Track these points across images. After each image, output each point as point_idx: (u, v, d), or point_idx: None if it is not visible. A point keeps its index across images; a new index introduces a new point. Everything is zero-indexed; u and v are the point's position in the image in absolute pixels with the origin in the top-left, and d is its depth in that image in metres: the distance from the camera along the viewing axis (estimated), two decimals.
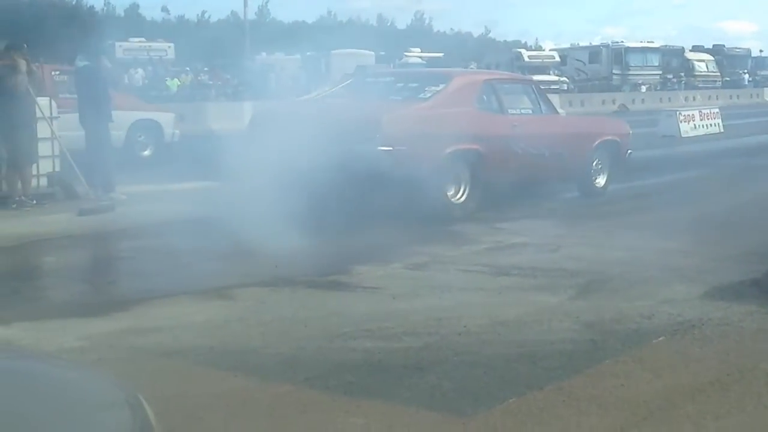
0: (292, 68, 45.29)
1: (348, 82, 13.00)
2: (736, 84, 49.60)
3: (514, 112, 11.57)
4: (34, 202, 11.53)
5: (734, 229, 9.87)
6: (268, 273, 7.81)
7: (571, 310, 6.60)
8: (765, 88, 46.20)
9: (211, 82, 38.96)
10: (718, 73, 50.44)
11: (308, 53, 51.96)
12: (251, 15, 59.23)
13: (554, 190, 12.75)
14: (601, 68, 43.60)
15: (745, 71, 54.88)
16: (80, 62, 12.56)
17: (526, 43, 79.40)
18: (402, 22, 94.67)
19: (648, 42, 50.05)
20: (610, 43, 49.53)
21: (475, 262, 8.31)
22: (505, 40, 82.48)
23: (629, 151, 13.26)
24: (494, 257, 8.52)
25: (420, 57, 49.24)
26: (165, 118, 18.73)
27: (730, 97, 38.98)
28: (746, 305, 6.61)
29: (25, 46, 12.29)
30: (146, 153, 18.15)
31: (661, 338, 5.92)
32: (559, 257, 8.49)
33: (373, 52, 49.60)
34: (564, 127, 12.59)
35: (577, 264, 8.12)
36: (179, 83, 37.33)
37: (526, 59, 48.92)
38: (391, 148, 9.94)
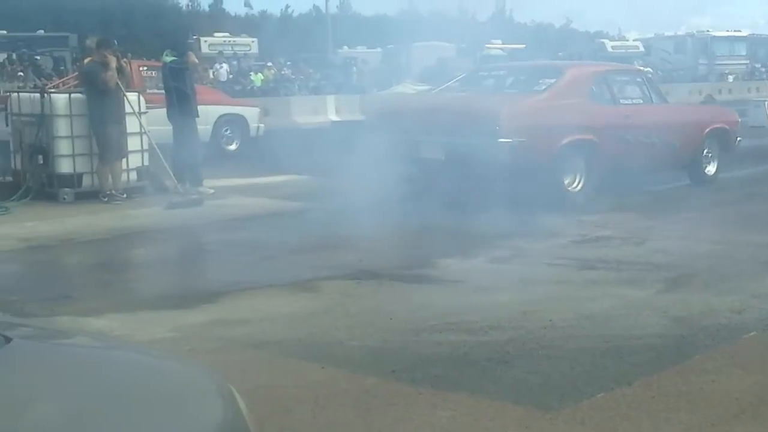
0: (374, 61, 45.28)
1: (462, 75, 13.28)
2: None
3: (626, 102, 11.78)
4: (125, 195, 11.79)
5: None
6: (353, 266, 7.87)
7: (659, 304, 6.52)
8: None
9: (294, 77, 39.23)
10: None
11: (389, 46, 51.95)
12: (333, 9, 59.47)
13: (642, 180, 12.55)
14: (686, 58, 42.77)
15: None
16: (167, 58, 12.77)
17: (608, 33, 78.15)
18: (483, 15, 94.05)
19: (735, 31, 48.89)
20: (695, 32, 48.56)
21: (560, 255, 8.25)
22: (587, 31, 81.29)
23: (738, 139, 13.35)
24: (580, 250, 8.45)
25: (501, 49, 48.80)
26: (250, 113, 19.08)
27: None
28: None
29: (115, 42, 12.60)
30: (232, 147, 18.49)
31: (752, 333, 5.82)
32: (646, 250, 8.38)
33: (454, 45, 49.35)
34: (674, 115, 12.76)
35: (664, 257, 8.01)
36: (263, 78, 37.64)
37: (610, 49, 48.19)
38: (510, 140, 10.19)
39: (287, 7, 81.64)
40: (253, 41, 48.23)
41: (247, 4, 74.55)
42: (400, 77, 38.06)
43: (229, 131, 18.48)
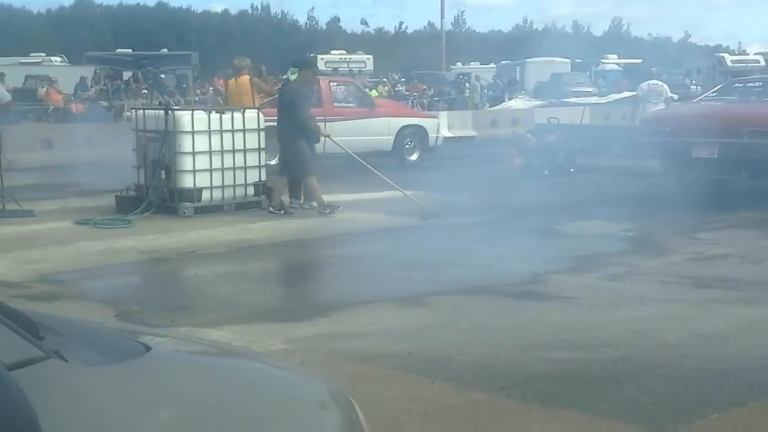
0: (487, 77, 45.25)
1: (719, 86, 15.36)
2: None
3: None
4: (327, 210, 12.01)
5: None
6: (464, 281, 7.90)
7: None
8: None
9: (407, 93, 39.48)
10: None
11: (503, 62, 51.85)
12: (447, 25, 59.66)
13: (756, 198, 12.26)
14: None
15: None
16: (292, 75, 12.99)
17: (728, 47, 76.29)
18: (598, 29, 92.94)
19: None
20: None
21: (674, 273, 8.12)
22: (706, 45, 79.64)
23: None
24: (695, 268, 8.30)
25: (617, 63, 48.18)
26: (430, 123, 19.82)
27: None
28: None
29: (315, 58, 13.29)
30: (413, 157, 19.01)
31: None
32: (763, 269, 8.19)
33: (568, 60, 48.96)
34: None
35: None
36: (377, 94, 38.00)
37: (729, 64, 47.02)
38: None
39: (401, 23, 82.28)
40: (368, 58, 48.78)
41: (363, 22, 75.48)
42: (513, 92, 38.03)
43: (410, 142, 19.07)
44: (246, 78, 14.32)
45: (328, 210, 11.87)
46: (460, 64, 52.53)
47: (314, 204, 12.41)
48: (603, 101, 27.65)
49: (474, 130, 26.23)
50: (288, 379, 2.62)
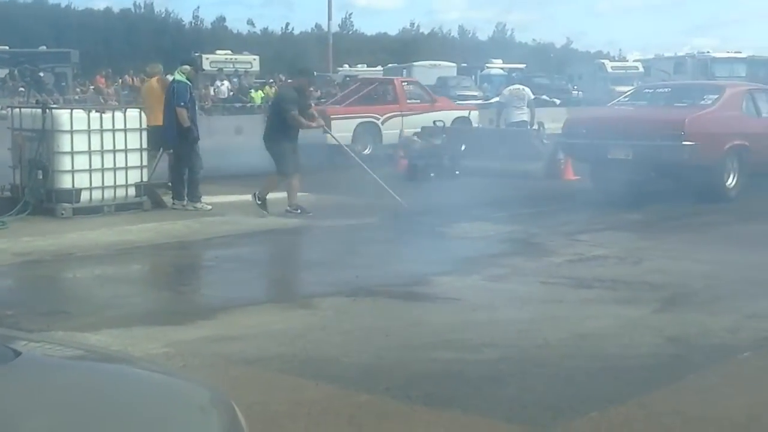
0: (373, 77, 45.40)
1: (630, 92, 16.19)
2: None
3: (766, 115, 13.91)
4: (299, 211, 11.86)
5: None
6: (348, 282, 7.88)
7: (654, 323, 6.53)
8: None
9: None
10: None
11: (390, 65, 52.17)
12: (335, 27, 59.68)
13: (638, 201, 12.61)
14: (686, 79, 42.72)
15: None
16: (179, 75, 12.69)
17: (609, 53, 78.43)
18: (484, 34, 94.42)
19: (735, 52, 48.96)
20: (695, 53, 48.59)
21: (555, 274, 8.25)
22: (588, 51, 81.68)
23: None
24: (575, 269, 8.45)
25: (502, 68, 48.94)
26: (472, 114, 22.59)
27: None
28: None
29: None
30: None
31: (746, 354, 5.82)
32: (641, 270, 8.38)
33: (454, 64, 49.56)
34: None
35: (660, 277, 8.01)
36: (263, 95, 37.70)
37: (609, 70, 48.35)
38: (692, 143, 12.34)
39: (288, 24, 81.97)
40: (254, 59, 48.38)
41: (250, 22, 74.90)
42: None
43: None
44: (156, 81, 14.18)
45: (299, 211, 11.80)
46: (347, 66, 52.54)
47: (197, 206, 12.22)
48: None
49: None
50: (167, 384, 2.54)
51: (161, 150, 13.25)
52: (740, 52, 48.85)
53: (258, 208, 11.78)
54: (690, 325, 6.45)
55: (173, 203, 12.36)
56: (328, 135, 14.63)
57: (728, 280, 7.90)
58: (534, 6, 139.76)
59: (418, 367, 5.58)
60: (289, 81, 12.89)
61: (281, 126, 11.96)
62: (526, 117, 19.94)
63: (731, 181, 13.12)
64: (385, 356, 5.80)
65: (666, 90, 15.29)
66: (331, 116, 18.81)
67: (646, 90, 15.94)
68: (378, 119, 20.43)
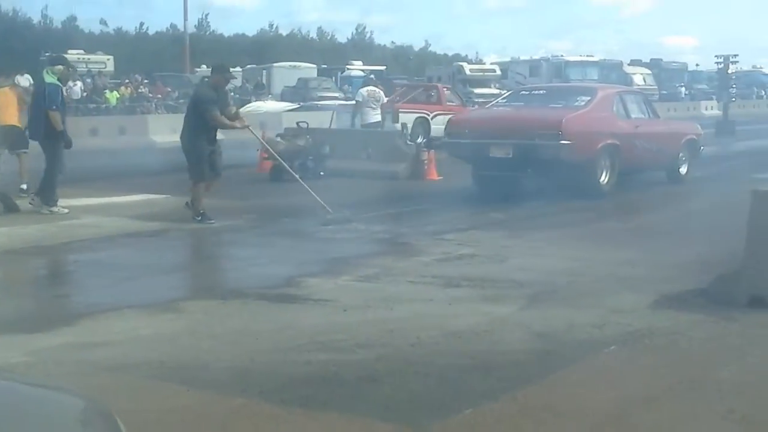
0: (234, 81, 44.95)
1: (507, 94, 16.94)
2: (672, 97, 50.15)
3: (635, 116, 14.73)
4: (213, 221, 11.16)
5: (678, 239, 10.00)
6: (217, 286, 7.73)
7: (522, 320, 6.63)
8: (701, 102, 46.96)
9: (151, 95, 38.54)
10: (656, 87, 51.07)
11: (249, 66, 51.74)
12: (191, 28, 58.75)
13: (502, 198, 12.85)
14: (541, 81, 43.86)
15: (682, 84, 55.67)
16: (49, 77, 12.08)
17: (467, 56, 79.82)
18: (343, 36, 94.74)
19: (587, 56, 50.61)
20: (550, 56, 49.97)
21: (424, 273, 8.30)
22: (446, 54, 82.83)
23: (702, 147, 16.47)
24: (443, 268, 8.51)
25: (362, 70, 49.19)
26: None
27: (667, 110, 39.27)
28: (693, 314, 6.69)
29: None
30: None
31: (612, 348, 5.96)
32: (507, 268, 8.51)
33: (315, 65, 49.54)
34: (665, 127, 16.10)
35: (525, 274, 8.15)
36: (118, 96, 36.82)
37: (468, 72, 49.10)
38: (568, 142, 12.94)
39: (142, 24, 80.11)
40: (108, 59, 47.22)
41: (102, 22, 72.92)
42: (260, 97, 38.00)
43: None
44: (7, 89, 13.55)
45: (200, 218, 11.10)
46: (204, 66, 51.77)
47: (54, 210, 11.78)
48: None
49: (221, 133, 25.94)
50: (40, 396, 2.39)
51: (6, 151, 12.74)
52: (592, 56, 50.53)
53: (199, 223, 11.06)
54: (557, 321, 6.57)
55: (41, 208, 11.83)
56: (254, 135, 13.60)
57: (592, 276, 8.09)
58: (393, 8, 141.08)
59: (293, 370, 5.50)
60: (205, 79, 12.07)
61: (199, 127, 11.21)
62: (380, 118, 20.12)
63: (604, 179, 13.74)
64: (258, 360, 5.70)
65: (542, 92, 15.86)
66: (399, 111, 23.02)
67: (523, 92, 16.47)
68: (428, 115, 24.26)
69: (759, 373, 5.43)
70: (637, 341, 6.09)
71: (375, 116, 20.06)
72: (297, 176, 12.29)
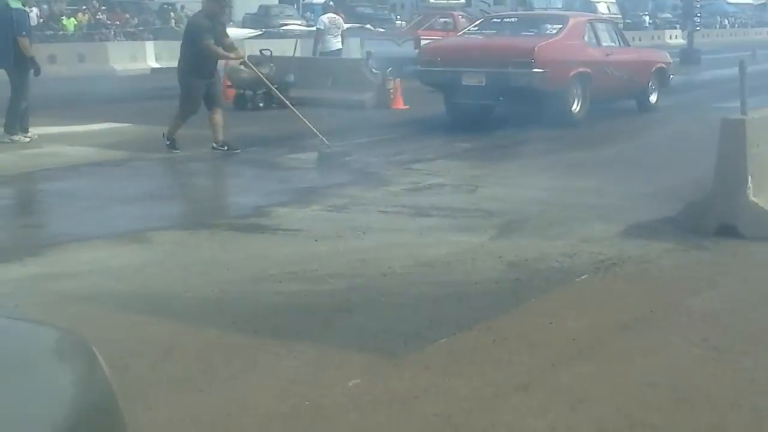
0: (193, 8, 44.19)
1: (479, 22, 16.85)
2: (637, 26, 50.03)
3: (606, 44, 14.77)
4: (225, 148, 10.89)
5: (647, 168, 10.01)
6: (185, 216, 7.65)
7: (494, 249, 6.61)
8: (665, 31, 46.93)
9: (109, 22, 37.77)
10: (620, 15, 50.89)
11: None
12: None
13: (468, 128, 12.80)
14: (505, 9, 43.54)
15: (646, 13, 55.57)
16: (14, 3, 11.68)
17: None
18: None
19: None
20: None
21: (394, 203, 8.25)
22: None
23: (671, 76, 16.60)
24: (413, 198, 8.47)
25: None
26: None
27: (632, 39, 39.37)
28: (663, 243, 6.72)
29: None
30: None
31: (584, 276, 5.97)
32: (477, 198, 8.48)
33: None
34: (635, 55, 15.94)
35: (496, 204, 8.13)
36: (76, 23, 36.03)
37: (431, 0, 48.67)
38: (541, 70, 12.98)
39: None
40: None
41: None
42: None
43: None
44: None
45: (225, 147, 10.83)
46: None
47: (14, 138, 11.56)
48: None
49: None
50: (13, 328, 2.32)
51: None
52: None
53: (167, 148, 10.82)
54: (528, 250, 6.57)
55: (3, 137, 11.59)
56: (251, 67, 12.84)
57: (562, 205, 8.08)
58: None
59: (264, 300, 5.47)
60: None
61: (195, 59, 10.78)
62: (341, 45, 19.87)
63: (576, 107, 13.79)
64: (229, 290, 5.65)
65: (513, 20, 15.83)
66: (421, 37, 22.67)
67: (494, 19, 16.39)
68: None
69: (731, 302, 5.47)
70: (608, 270, 6.11)
71: (336, 44, 19.75)
72: (291, 105, 11.58)
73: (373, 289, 5.67)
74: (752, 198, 6.85)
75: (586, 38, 14.48)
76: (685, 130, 13.17)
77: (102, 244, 6.80)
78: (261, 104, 15.71)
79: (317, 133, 10.77)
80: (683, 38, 34.66)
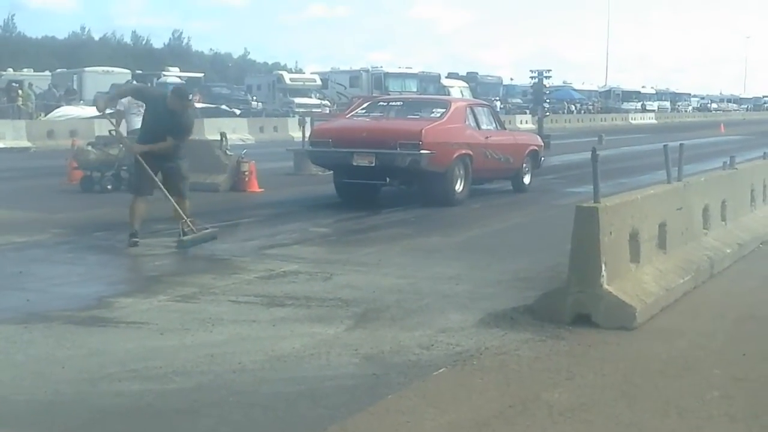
0: (43, 85, 43.15)
1: (366, 104, 17.48)
2: None
3: (484, 127, 15.51)
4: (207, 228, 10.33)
5: (501, 254, 10.01)
6: (18, 308, 7.13)
7: (350, 341, 6.38)
8: (516, 116, 48.28)
9: None
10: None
11: (59, 70, 49.84)
12: None
13: (316, 214, 12.61)
14: (361, 92, 44.08)
15: (497, 98, 57.20)
16: None
17: (286, 65, 79.59)
18: (159, 41, 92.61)
19: (407, 68, 51.18)
20: (370, 68, 50.27)
21: (246, 292, 7.93)
22: (266, 62, 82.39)
23: (542, 158, 17.61)
24: (266, 287, 8.17)
25: (179, 76, 48.09)
26: None
27: None
28: (521, 333, 6.62)
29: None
30: None
31: (442, 370, 5.79)
32: (333, 285, 8.25)
33: (129, 71, 48.13)
34: (511, 138, 16.75)
35: (352, 292, 7.91)
36: None
37: (288, 82, 48.89)
38: (428, 152, 13.60)
39: None
40: None
41: None
42: (71, 102, 36.58)
43: None
44: None
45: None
46: (11, 70, 49.41)
47: None
48: None
49: (29, 141, 24.87)
50: None
51: None
52: (411, 68, 51.20)
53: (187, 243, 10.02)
54: (384, 342, 6.36)
55: None
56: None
57: (420, 293, 7.93)
58: (212, 15, 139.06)
59: (103, 403, 5.07)
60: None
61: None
62: None
63: (459, 187, 14.38)
64: (64, 391, 5.23)
65: (398, 103, 16.42)
66: None
67: (381, 102, 17.01)
68: None
69: (589, 396, 5.36)
70: (466, 362, 5.95)
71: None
72: (166, 192, 10.32)
73: (222, 388, 5.34)
74: (606, 287, 6.85)
75: (467, 122, 15.14)
76: (542, 215, 13.36)
77: None
78: (109, 186, 15.17)
79: (184, 217, 10.10)
80: (533, 123, 35.72)
